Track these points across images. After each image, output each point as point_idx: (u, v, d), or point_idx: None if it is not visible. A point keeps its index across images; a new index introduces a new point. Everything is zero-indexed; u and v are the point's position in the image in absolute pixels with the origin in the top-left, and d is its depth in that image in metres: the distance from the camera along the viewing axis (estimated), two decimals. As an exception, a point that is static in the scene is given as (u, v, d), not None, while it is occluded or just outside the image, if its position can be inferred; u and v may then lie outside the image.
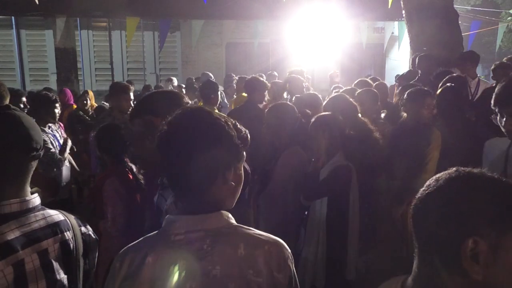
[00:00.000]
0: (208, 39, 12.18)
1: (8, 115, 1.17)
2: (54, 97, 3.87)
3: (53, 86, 8.68)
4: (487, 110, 2.82)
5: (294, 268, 1.09)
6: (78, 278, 1.26)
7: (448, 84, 3.26)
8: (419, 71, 4.89)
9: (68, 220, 1.28)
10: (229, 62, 12.42)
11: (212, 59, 12.31)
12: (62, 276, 1.21)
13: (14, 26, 11.96)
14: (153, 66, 12.40)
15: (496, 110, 1.83)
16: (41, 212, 1.22)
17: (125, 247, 1.10)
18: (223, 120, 1.08)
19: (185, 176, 1.04)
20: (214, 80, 7.56)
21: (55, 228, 1.22)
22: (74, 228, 1.28)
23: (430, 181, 0.88)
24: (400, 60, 11.22)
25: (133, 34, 9.10)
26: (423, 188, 0.88)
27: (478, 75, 4.99)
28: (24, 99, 4.27)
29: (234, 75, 7.16)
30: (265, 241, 1.06)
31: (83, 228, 1.31)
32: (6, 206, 1.14)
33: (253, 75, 5.00)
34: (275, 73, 7.26)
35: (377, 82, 4.69)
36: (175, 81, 7.93)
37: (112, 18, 10.37)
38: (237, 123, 1.12)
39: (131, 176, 2.66)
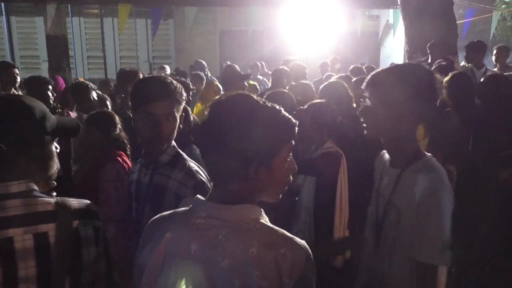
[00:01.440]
0: (201, 27, 12.06)
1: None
2: (46, 79, 3.90)
3: (45, 74, 8.56)
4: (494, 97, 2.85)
5: (311, 276, 1.02)
6: (62, 272, 1.17)
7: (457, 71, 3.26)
8: (429, 59, 4.83)
9: (58, 212, 1.19)
10: (223, 50, 12.32)
11: (206, 47, 12.20)
12: (30, 267, 1.14)
13: (4, 13, 11.75)
14: (146, 54, 12.27)
15: None
16: (24, 199, 1.16)
17: (156, 216, 1.15)
18: (264, 109, 1.05)
19: (217, 164, 1.05)
20: (207, 68, 7.53)
21: (31, 218, 1.15)
22: (62, 220, 1.19)
23: None
24: (394, 49, 11.20)
25: (126, 21, 8.96)
26: None
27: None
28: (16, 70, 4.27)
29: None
30: (283, 244, 1.00)
31: (79, 221, 1.21)
32: None
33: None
34: (259, 63, 7.29)
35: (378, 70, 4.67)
36: (168, 69, 7.86)
37: (104, 5, 10.22)
38: (283, 111, 1.08)
39: (127, 160, 2.66)
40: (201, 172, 1.65)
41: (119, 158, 2.61)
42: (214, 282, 0.98)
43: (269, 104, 1.07)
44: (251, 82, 5.87)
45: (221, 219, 1.02)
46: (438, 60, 4.01)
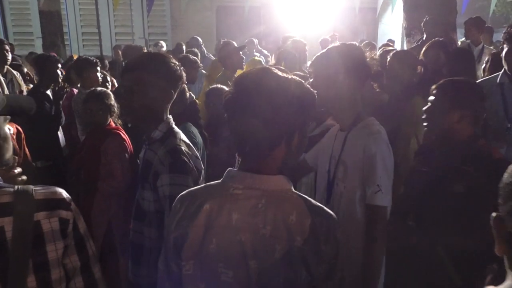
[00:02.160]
0: (198, 2, 11.86)
1: None
2: (55, 57, 3.92)
3: (39, 51, 8.46)
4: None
5: (340, 242, 1.10)
6: (21, 270, 1.06)
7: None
8: (424, 35, 4.78)
9: (16, 204, 1.07)
10: (220, 27, 12.16)
11: (202, 23, 12.02)
12: None
13: (-5, -12, 11.51)
14: (141, 30, 12.09)
15: None
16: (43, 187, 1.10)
17: (187, 190, 1.17)
18: (290, 82, 1.08)
19: (250, 138, 1.08)
20: (203, 45, 7.45)
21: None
22: (21, 213, 1.07)
23: None
24: (392, 25, 11.07)
25: (120, -4, 8.80)
26: None
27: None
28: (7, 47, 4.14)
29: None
30: (318, 213, 1.08)
31: (42, 213, 1.09)
32: None
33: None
34: (255, 40, 7.23)
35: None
36: (164, 45, 7.76)
37: (97, -20, 9.99)
38: (304, 83, 1.12)
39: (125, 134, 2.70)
40: (187, 152, 1.61)
41: (119, 132, 2.63)
42: (256, 248, 1.04)
43: (293, 77, 1.12)
44: (256, 58, 5.80)
45: (260, 189, 1.07)
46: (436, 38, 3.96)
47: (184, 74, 1.71)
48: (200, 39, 7.42)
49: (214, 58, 6.20)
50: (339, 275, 1.12)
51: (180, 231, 1.09)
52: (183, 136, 1.72)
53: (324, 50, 1.80)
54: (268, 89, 1.05)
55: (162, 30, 12.32)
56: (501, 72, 2.71)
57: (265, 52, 7.48)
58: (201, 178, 1.67)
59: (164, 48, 7.67)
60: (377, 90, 3.55)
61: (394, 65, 3.06)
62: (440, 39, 3.62)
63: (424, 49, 3.46)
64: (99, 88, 2.96)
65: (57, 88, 3.73)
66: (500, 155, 2.01)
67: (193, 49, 6.13)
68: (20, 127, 2.84)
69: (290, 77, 1.10)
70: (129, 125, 2.93)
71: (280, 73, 1.10)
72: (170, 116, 1.72)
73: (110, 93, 2.86)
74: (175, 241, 1.10)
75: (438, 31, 4.48)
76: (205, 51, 7.31)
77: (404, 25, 6.09)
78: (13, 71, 4.27)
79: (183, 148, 1.61)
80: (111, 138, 2.55)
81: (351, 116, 1.75)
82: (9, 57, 4.14)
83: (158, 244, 1.47)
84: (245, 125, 1.07)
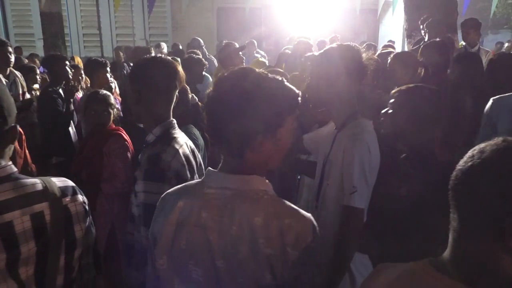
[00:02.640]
0: (198, 4, 11.87)
1: None
2: (64, 56, 3.99)
3: (40, 52, 8.47)
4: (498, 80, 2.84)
5: (316, 248, 1.06)
6: (57, 249, 1.19)
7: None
8: (426, 36, 4.78)
9: (47, 191, 1.19)
10: (220, 28, 12.18)
11: (203, 24, 12.04)
12: (31, 248, 1.14)
13: (-4, -11, 11.53)
14: (142, 31, 12.11)
15: None
16: (12, 182, 1.15)
17: (171, 189, 1.19)
18: (268, 81, 1.08)
19: (224, 137, 1.08)
20: (204, 46, 7.45)
21: (24, 200, 1.15)
22: (52, 198, 1.19)
23: (473, 151, 0.82)
24: (393, 26, 11.08)
25: (121, -2, 8.82)
26: (465, 159, 0.82)
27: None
28: (10, 49, 4.17)
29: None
30: (289, 215, 1.04)
31: (67, 198, 1.22)
32: None
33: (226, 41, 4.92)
34: (254, 41, 7.24)
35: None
36: (165, 47, 7.76)
37: (98, -19, 10.02)
38: (285, 82, 1.11)
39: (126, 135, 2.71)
40: (168, 160, 1.54)
41: (120, 133, 2.64)
42: (222, 248, 1.03)
43: (272, 76, 1.10)
44: (260, 59, 5.80)
45: (231, 189, 1.07)
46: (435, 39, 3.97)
47: (183, 76, 1.72)
48: (201, 40, 7.43)
49: (215, 59, 6.22)
50: (312, 282, 1.07)
51: (156, 228, 1.13)
52: (182, 141, 1.66)
53: (322, 51, 1.83)
54: (244, 88, 1.05)
55: (162, 31, 12.33)
56: None
57: (262, 53, 7.50)
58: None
59: (165, 50, 7.68)
60: (379, 91, 3.59)
61: (395, 66, 3.06)
62: (437, 40, 3.62)
63: (420, 50, 3.47)
64: (101, 90, 2.97)
65: (68, 86, 3.77)
66: (447, 157, 2.02)
67: (194, 50, 6.13)
68: (34, 125, 2.90)
69: (270, 76, 1.09)
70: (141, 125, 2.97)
71: (257, 75, 1.09)
72: (172, 120, 1.70)
73: (110, 94, 2.88)
74: (152, 237, 1.14)
75: (440, 32, 4.47)
76: (206, 52, 7.32)
77: (405, 26, 6.10)
78: (15, 72, 4.28)
79: (166, 155, 1.54)
80: (113, 139, 2.56)
81: (344, 115, 1.77)
82: (12, 59, 4.13)
83: (147, 247, 1.46)
84: (221, 124, 1.07)
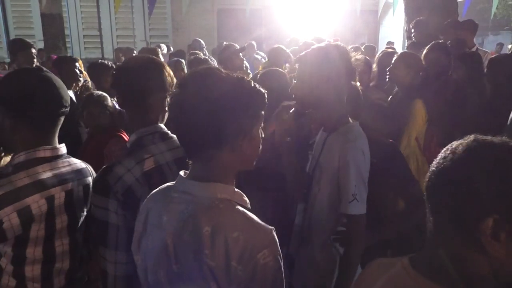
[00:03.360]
0: (199, 5, 11.88)
1: (43, 77, 1.42)
2: (73, 58, 3.99)
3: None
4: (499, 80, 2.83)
5: (270, 265, 0.97)
6: (77, 222, 1.53)
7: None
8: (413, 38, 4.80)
9: (88, 168, 1.59)
10: (221, 29, 12.18)
11: (204, 25, 12.05)
12: (82, 214, 1.53)
13: (-3, -9, 11.55)
14: (143, 33, 12.12)
15: None
16: (67, 159, 1.51)
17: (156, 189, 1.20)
18: (233, 82, 1.04)
19: (189, 140, 1.05)
20: (205, 48, 7.45)
21: (79, 174, 1.52)
22: (93, 175, 1.58)
23: (446, 151, 0.82)
24: (393, 28, 11.08)
25: (122, -1, 8.83)
26: (438, 159, 0.82)
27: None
28: (34, 50, 4.17)
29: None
30: (237, 228, 0.98)
31: (90, 178, 1.58)
32: (41, 151, 1.42)
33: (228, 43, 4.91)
34: (254, 43, 7.23)
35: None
36: (165, 48, 7.75)
37: (99, -17, 10.04)
38: (251, 83, 1.07)
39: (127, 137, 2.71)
40: (119, 173, 1.38)
41: (121, 134, 2.65)
42: (177, 253, 1.03)
43: (240, 76, 1.07)
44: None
45: (192, 195, 1.05)
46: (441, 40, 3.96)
47: (168, 79, 1.57)
48: (202, 42, 7.43)
49: (215, 60, 6.21)
50: None
51: (135, 227, 1.17)
52: (155, 151, 1.48)
53: (309, 50, 1.74)
54: (207, 88, 1.00)
55: (163, 32, 12.34)
56: None
57: (262, 54, 7.50)
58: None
59: (165, 51, 7.68)
60: (374, 92, 3.59)
61: (399, 67, 3.05)
62: (440, 41, 3.62)
63: (425, 52, 3.46)
64: (96, 92, 2.99)
65: (77, 88, 3.79)
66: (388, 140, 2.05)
67: (196, 51, 6.13)
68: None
69: (235, 76, 1.05)
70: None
71: (224, 73, 1.06)
72: (156, 125, 1.53)
73: (107, 95, 2.88)
74: (133, 236, 1.18)
75: (451, 34, 4.47)
76: (207, 54, 7.32)
77: (405, 27, 6.10)
78: None
79: (120, 168, 1.39)
80: (113, 141, 2.56)
81: (334, 118, 1.72)
82: (35, 60, 4.11)
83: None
84: (184, 126, 1.04)
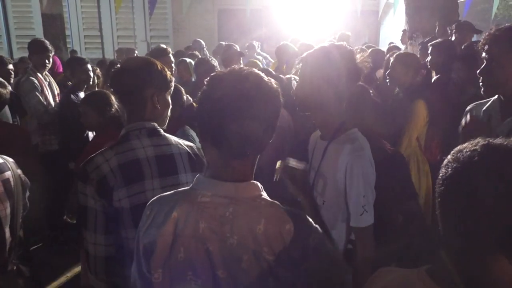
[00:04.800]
0: (199, 6, 11.88)
1: None
2: (85, 59, 4.03)
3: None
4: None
5: (321, 248, 1.06)
6: (18, 210, 1.67)
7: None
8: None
9: (6, 163, 1.67)
10: (222, 30, 12.18)
11: (204, 26, 12.04)
12: (6, 208, 1.61)
13: (-2, -9, 11.54)
14: (143, 33, 12.11)
15: None
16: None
17: (157, 196, 1.15)
18: (265, 82, 1.07)
19: (225, 139, 1.04)
20: (205, 48, 7.45)
21: None
22: (13, 169, 1.67)
23: (453, 155, 0.77)
24: (394, 28, 11.06)
25: (122, -1, 8.83)
26: (445, 164, 0.77)
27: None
28: (11, 66, 4.24)
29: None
30: (286, 220, 1.03)
31: (19, 171, 1.71)
32: None
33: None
34: (255, 43, 7.22)
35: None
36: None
37: (100, -17, 10.03)
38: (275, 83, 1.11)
39: None
40: (98, 162, 1.51)
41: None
42: (224, 258, 1.01)
43: (267, 78, 1.09)
44: (254, 60, 5.78)
45: (228, 197, 1.04)
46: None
47: (161, 77, 1.63)
48: (202, 42, 7.43)
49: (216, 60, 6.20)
50: (319, 276, 1.06)
51: (149, 240, 1.08)
52: (137, 146, 1.56)
53: (311, 50, 1.67)
54: (246, 89, 1.03)
55: (164, 33, 12.34)
56: (492, 99, 1.93)
57: (264, 54, 7.49)
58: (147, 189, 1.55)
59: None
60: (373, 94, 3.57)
61: (397, 68, 3.06)
62: (444, 39, 3.61)
63: (430, 51, 3.47)
64: (95, 91, 3.00)
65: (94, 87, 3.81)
66: (392, 150, 2.03)
67: (195, 52, 6.11)
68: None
69: (266, 77, 1.08)
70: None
71: (258, 73, 1.08)
72: (143, 122, 1.60)
73: (108, 94, 2.84)
74: (144, 249, 1.09)
75: (468, 36, 4.46)
76: (208, 54, 7.31)
77: (406, 28, 6.09)
78: (49, 75, 4.33)
79: (99, 157, 1.52)
80: (109, 144, 2.55)
81: (334, 124, 1.65)
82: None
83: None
84: (223, 125, 1.02)
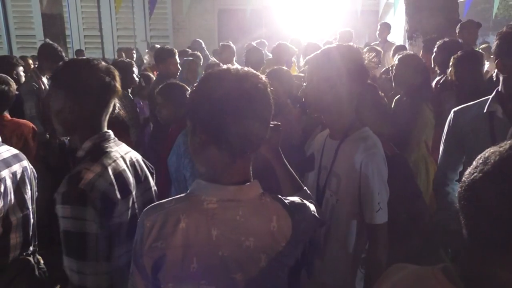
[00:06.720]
0: (199, 5, 11.87)
1: None
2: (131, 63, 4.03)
3: (41, 53, 8.42)
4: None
5: (319, 229, 1.17)
6: (34, 196, 1.83)
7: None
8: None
9: (20, 153, 1.81)
10: (222, 30, 12.17)
11: (204, 26, 12.04)
12: (28, 192, 1.77)
13: (-2, -9, 11.54)
14: (143, 33, 12.11)
15: None
16: (5, 146, 1.77)
17: (153, 205, 1.09)
18: (261, 81, 1.07)
19: (225, 140, 1.02)
20: (205, 48, 7.44)
21: (17, 157, 1.77)
22: (26, 159, 1.83)
23: (478, 161, 0.74)
24: (394, 28, 11.05)
25: (122, -1, 8.82)
26: (469, 171, 0.75)
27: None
28: (21, 68, 4.16)
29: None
30: (293, 212, 1.08)
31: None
32: None
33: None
34: (265, 41, 7.20)
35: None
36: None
37: (100, -17, 10.03)
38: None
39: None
40: (91, 179, 1.33)
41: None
42: (240, 261, 1.01)
43: (261, 76, 1.09)
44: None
45: (234, 200, 1.03)
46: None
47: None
48: (202, 42, 7.42)
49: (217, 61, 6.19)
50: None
51: (157, 253, 1.00)
52: (116, 155, 1.46)
53: (319, 51, 1.67)
54: (246, 89, 1.03)
55: (164, 33, 12.33)
56: (491, 96, 1.87)
57: (269, 54, 7.49)
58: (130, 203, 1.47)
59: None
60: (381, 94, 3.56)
61: (400, 69, 3.04)
62: (447, 39, 3.61)
63: (435, 51, 3.47)
64: (171, 82, 3.03)
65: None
66: (393, 151, 2.03)
67: (196, 52, 6.10)
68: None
69: (260, 76, 1.08)
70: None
71: (253, 72, 1.08)
72: (107, 132, 1.50)
73: (183, 87, 2.83)
74: (153, 264, 1.01)
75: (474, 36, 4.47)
76: (208, 54, 7.30)
77: (406, 27, 6.09)
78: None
79: (89, 173, 1.34)
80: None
81: (345, 124, 1.66)
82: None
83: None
84: (223, 125, 1.00)
